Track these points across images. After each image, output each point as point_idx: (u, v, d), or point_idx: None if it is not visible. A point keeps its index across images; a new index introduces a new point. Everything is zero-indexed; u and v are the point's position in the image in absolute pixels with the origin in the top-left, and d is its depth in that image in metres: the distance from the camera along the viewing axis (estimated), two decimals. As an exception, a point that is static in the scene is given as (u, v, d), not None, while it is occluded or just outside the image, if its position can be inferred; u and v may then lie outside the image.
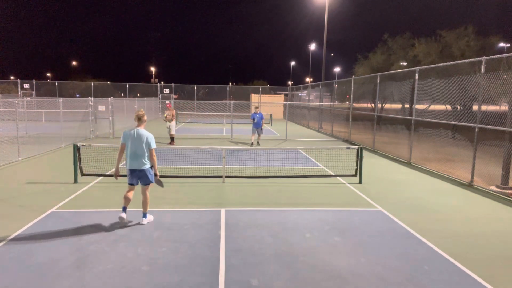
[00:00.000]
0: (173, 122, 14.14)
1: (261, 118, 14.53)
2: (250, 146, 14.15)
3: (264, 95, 37.98)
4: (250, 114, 15.69)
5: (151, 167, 5.61)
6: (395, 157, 12.44)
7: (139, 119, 5.53)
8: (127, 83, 38.07)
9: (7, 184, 7.92)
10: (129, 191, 5.64)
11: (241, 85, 61.80)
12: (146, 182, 5.59)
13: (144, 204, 5.66)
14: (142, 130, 5.50)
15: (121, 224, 5.61)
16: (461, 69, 11.77)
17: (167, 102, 14.95)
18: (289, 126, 20.37)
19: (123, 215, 5.54)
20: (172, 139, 14.24)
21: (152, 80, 75.31)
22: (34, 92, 34.99)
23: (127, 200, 5.59)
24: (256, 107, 14.76)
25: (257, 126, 14.36)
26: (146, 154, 5.49)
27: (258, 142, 14.75)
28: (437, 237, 5.36)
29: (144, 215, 5.69)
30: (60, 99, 14.11)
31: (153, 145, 5.50)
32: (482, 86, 8.50)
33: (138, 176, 5.55)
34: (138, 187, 5.75)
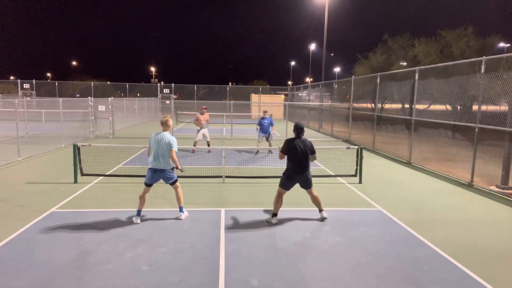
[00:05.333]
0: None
1: (270, 124, 12.56)
2: (255, 154, 12.47)
3: (264, 95, 37.99)
4: (250, 114, 15.26)
5: (172, 168, 5.92)
6: (395, 157, 12.44)
7: (163, 124, 5.96)
8: (127, 83, 38.10)
9: (7, 184, 7.93)
10: (144, 192, 5.85)
11: (241, 85, 61.81)
12: (169, 181, 5.91)
13: (178, 199, 5.98)
14: (166, 134, 5.87)
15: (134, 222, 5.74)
16: (461, 69, 11.76)
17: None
18: (289, 126, 20.35)
19: (136, 219, 5.74)
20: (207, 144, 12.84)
21: (152, 80, 75.27)
22: (34, 92, 35.00)
23: (142, 201, 5.82)
24: (265, 111, 12.64)
25: (265, 133, 12.60)
26: (168, 156, 5.78)
27: (270, 151, 12.75)
28: (437, 237, 5.36)
29: (181, 209, 5.97)
30: (60, 99, 14.10)
31: (175, 148, 5.80)
32: (482, 86, 8.51)
33: (160, 177, 5.84)
34: (152, 188, 5.96)
